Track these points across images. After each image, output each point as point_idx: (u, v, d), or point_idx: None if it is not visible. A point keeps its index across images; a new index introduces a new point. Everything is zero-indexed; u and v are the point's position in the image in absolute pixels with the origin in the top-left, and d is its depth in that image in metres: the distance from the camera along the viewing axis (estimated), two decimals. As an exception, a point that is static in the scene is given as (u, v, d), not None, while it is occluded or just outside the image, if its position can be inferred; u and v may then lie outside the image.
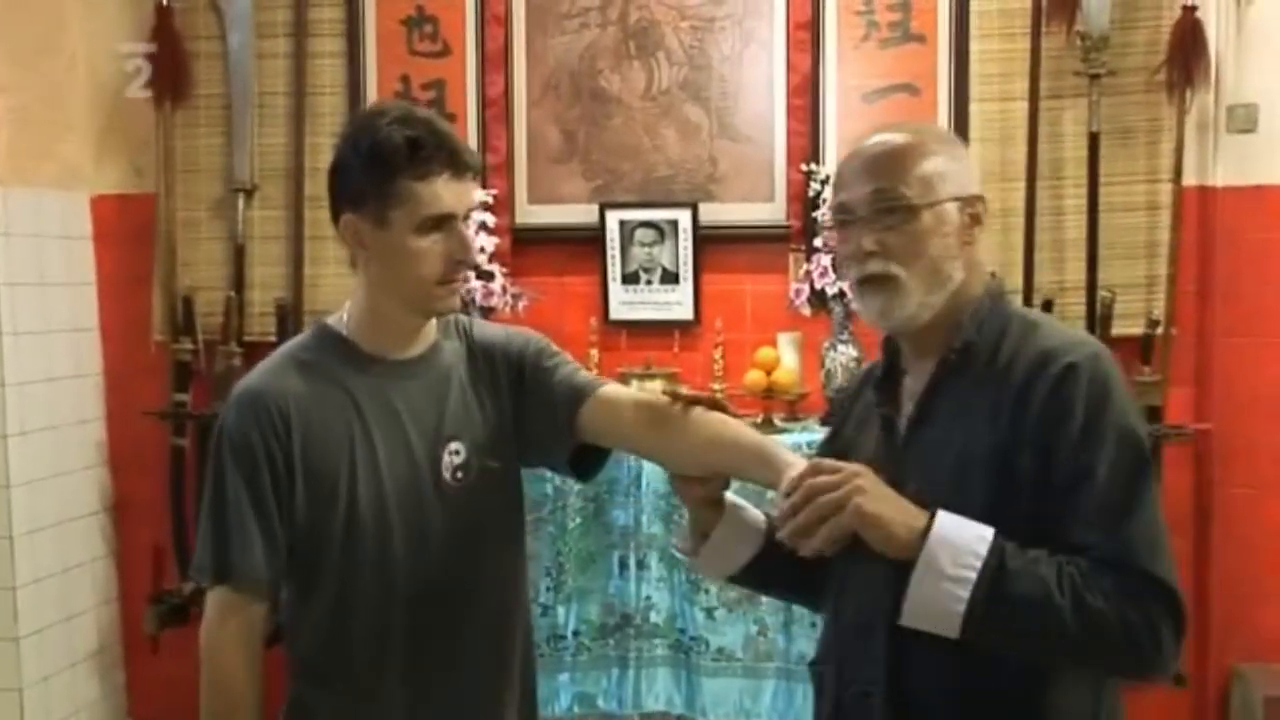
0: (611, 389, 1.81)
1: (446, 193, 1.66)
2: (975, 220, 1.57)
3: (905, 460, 1.55)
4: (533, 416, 1.82)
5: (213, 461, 1.72)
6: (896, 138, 1.59)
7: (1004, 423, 1.46)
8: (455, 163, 1.67)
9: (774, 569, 1.74)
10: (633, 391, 1.85)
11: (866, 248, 1.54)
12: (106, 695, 3.96)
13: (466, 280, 1.78)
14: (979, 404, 1.49)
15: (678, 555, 1.82)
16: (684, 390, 1.83)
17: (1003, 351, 1.51)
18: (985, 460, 1.46)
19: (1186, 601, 1.43)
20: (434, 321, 1.80)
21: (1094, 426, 1.43)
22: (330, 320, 1.81)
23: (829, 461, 1.50)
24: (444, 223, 1.68)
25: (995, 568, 1.39)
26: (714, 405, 1.73)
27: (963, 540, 1.41)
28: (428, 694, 1.75)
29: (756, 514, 1.79)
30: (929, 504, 1.46)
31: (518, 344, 1.85)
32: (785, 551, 1.63)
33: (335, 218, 1.73)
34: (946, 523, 1.42)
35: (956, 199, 1.55)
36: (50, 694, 3.70)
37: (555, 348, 1.88)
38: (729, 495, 1.79)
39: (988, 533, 1.41)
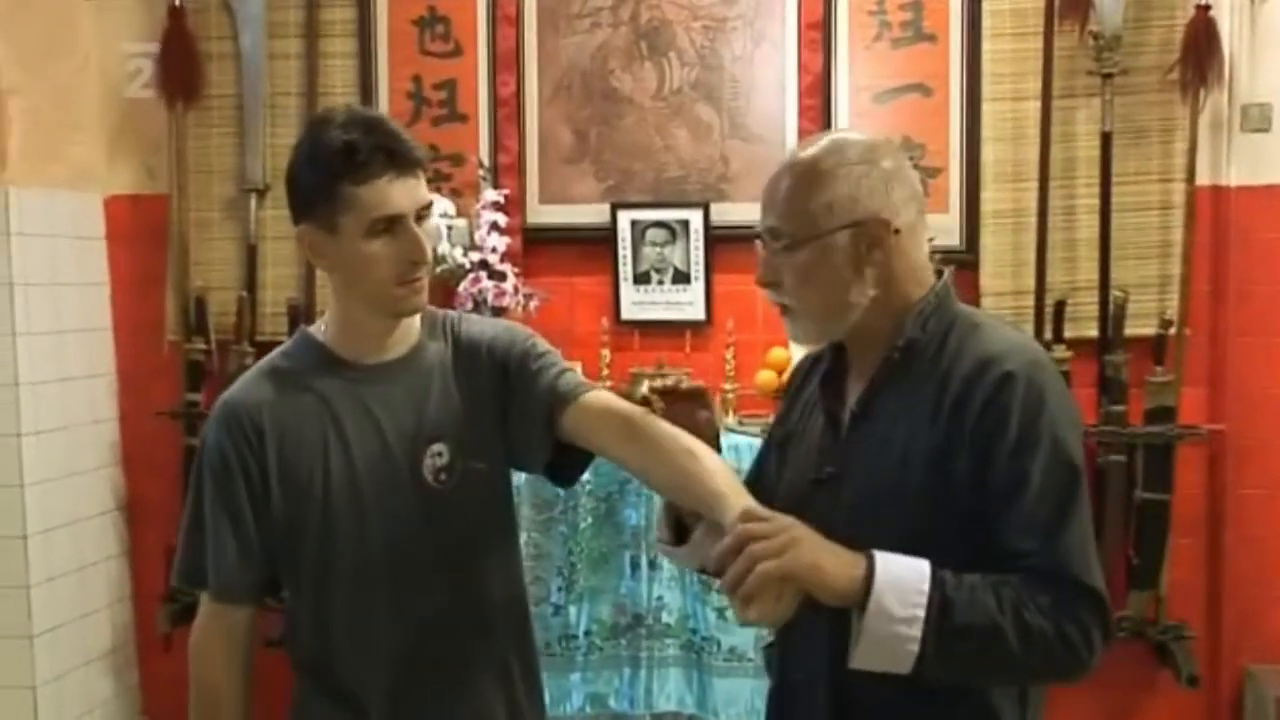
0: (594, 397, 1.75)
1: (392, 192, 1.63)
2: (875, 244, 1.54)
3: (846, 455, 1.57)
4: (515, 421, 1.79)
5: (193, 473, 1.78)
6: (791, 170, 1.58)
7: (942, 425, 1.48)
8: (396, 162, 1.63)
9: None
10: (617, 402, 1.75)
11: (764, 278, 1.60)
12: (120, 694, 3.97)
13: (424, 279, 1.70)
14: (919, 402, 1.51)
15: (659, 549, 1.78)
16: (662, 383, 1.75)
17: (945, 352, 1.53)
18: (924, 459, 1.48)
19: (1110, 607, 1.46)
20: (417, 322, 1.78)
21: (1028, 435, 1.45)
22: (312, 328, 1.81)
23: (761, 510, 1.48)
24: (393, 224, 1.64)
25: (940, 601, 1.39)
26: (692, 395, 1.72)
27: (906, 579, 1.40)
28: (418, 698, 1.76)
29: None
30: (868, 504, 1.51)
31: (504, 342, 1.81)
32: None
33: (295, 227, 1.72)
34: (886, 564, 1.41)
35: (848, 226, 1.53)
36: (64, 692, 3.71)
37: (544, 346, 1.83)
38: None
39: (925, 566, 1.41)
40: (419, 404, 1.76)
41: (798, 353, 3.57)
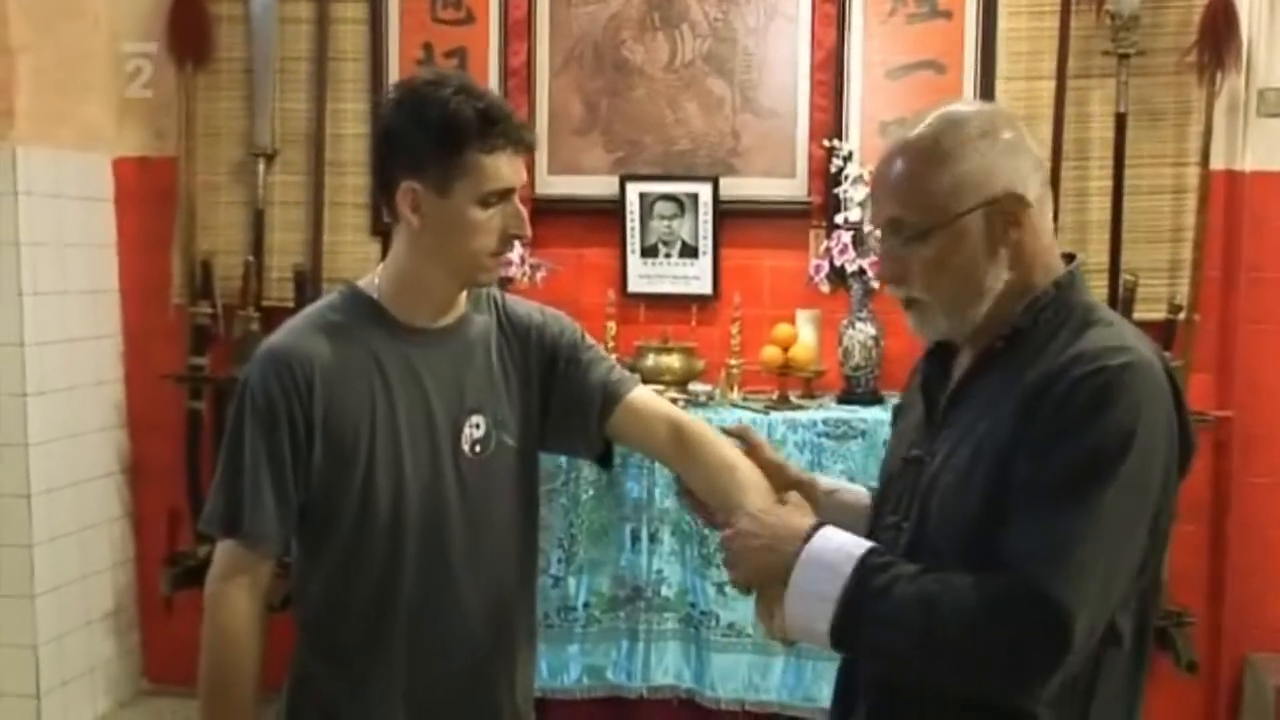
0: (641, 395, 1.83)
1: (508, 168, 1.69)
2: (1011, 221, 1.44)
3: (935, 440, 1.51)
4: (562, 409, 1.84)
5: (233, 416, 1.73)
6: (905, 153, 1.47)
7: (1016, 423, 1.37)
8: (519, 139, 1.70)
9: None
10: (663, 405, 1.85)
11: (887, 276, 1.52)
12: (121, 655, 3.99)
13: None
14: (1011, 394, 1.39)
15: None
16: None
17: (1051, 347, 1.41)
18: (993, 457, 1.39)
19: (1082, 631, 1.29)
20: (465, 294, 1.80)
21: (1076, 428, 1.32)
22: (361, 283, 1.80)
23: (742, 517, 1.55)
24: (504, 196, 1.70)
25: (854, 587, 1.37)
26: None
27: (826, 560, 1.40)
28: (425, 666, 1.76)
29: (858, 491, 1.78)
30: (941, 492, 1.44)
31: (553, 330, 1.86)
32: None
33: (386, 183, 1.72)
34: (820, 543, 1.42)
35: (980, 206, 1.43)
36: (65, 652, 3.73)
37: (589, 338, 1.90)
38: (820, 480, 1.78)
39: (859, 550, 1.40)
40: (462, 373, 1.77)
41: (806, 329, 3.57)
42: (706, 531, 3.14)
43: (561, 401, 1.83)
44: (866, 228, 3.44)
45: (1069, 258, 1.52)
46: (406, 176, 1.69)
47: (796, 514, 1.54)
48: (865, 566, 1.38)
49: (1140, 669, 1.46)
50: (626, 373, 1.87)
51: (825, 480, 1.79)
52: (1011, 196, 1.44)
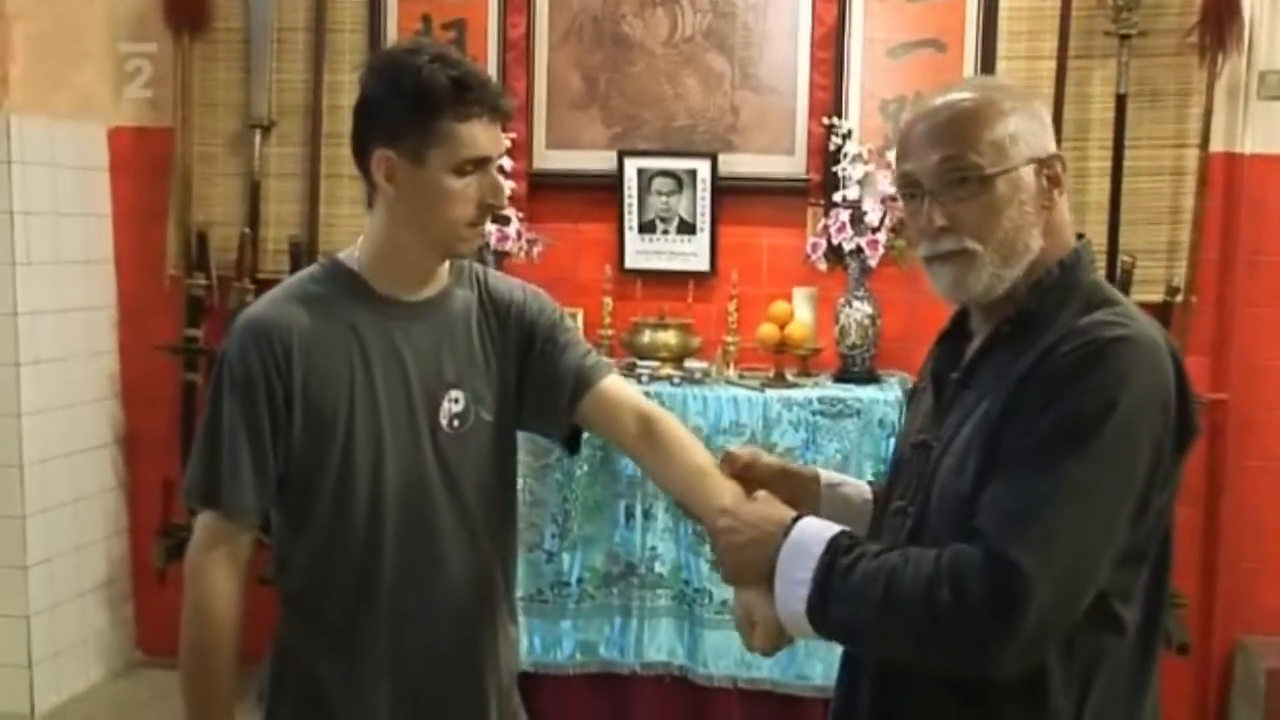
0: (613, 384, 1.82)
1: (484, 136, 1.66)
2: (1054, 182, 1.44)
3: (942, 423, 1.50)
4: (535, 389, 1.83)
5: (211, 388, 1.72)
6: (964, 98, 1.45)
7: (1011, 398, 1.36)
8: (495, 107, 1.67)
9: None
10: (634, 396, 1.84)
11: (938, 223, 1.44)
12: (114, 625, 4.00)
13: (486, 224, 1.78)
14: (1013, 375, 1.38)
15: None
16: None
17: (1054, 328, 1.39)
18: (985, 433, 1.38)
19: (1046, 603, 1.25)
20: (446, 266, 1.79)
21: (1058, 394, 1.31)
22: (342, 255, 1.79)
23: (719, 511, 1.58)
24: (480, 165, 1.68)
25: (825, 567, 1.37)
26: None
27: (805, 545, 1.41)
28: (408, 640, 1.75)
29: (860, 486, 1.76)
30: (946, 474, 1.43)
31: (533, 309, 1.85)
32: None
33: (361, 151, 1.71)
34: (799, 531, 1.43)
35: (1033, 161, 1.42)
36: (57, 622, 3.73)
37: (568, 320, 1.89)
38: (822, 474, 1.76)
39: (830, 533, 1.40)
40: (442, 347, 1.76)
41: (803, 307, 3.56)
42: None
43: (535, 382, 1.83)
44: (867, 204, 3.43)
45: (1077, 238, 1.51)
46: (381, 145, 1.67)
47: (773, 507, 1.53)
48: (835, 547, 1.38)
49: (1147, 663, 1.43)
50: (602, 359, 1.86)
51: (829, 475, 1.78)
52: (1055, 157, 1.45)
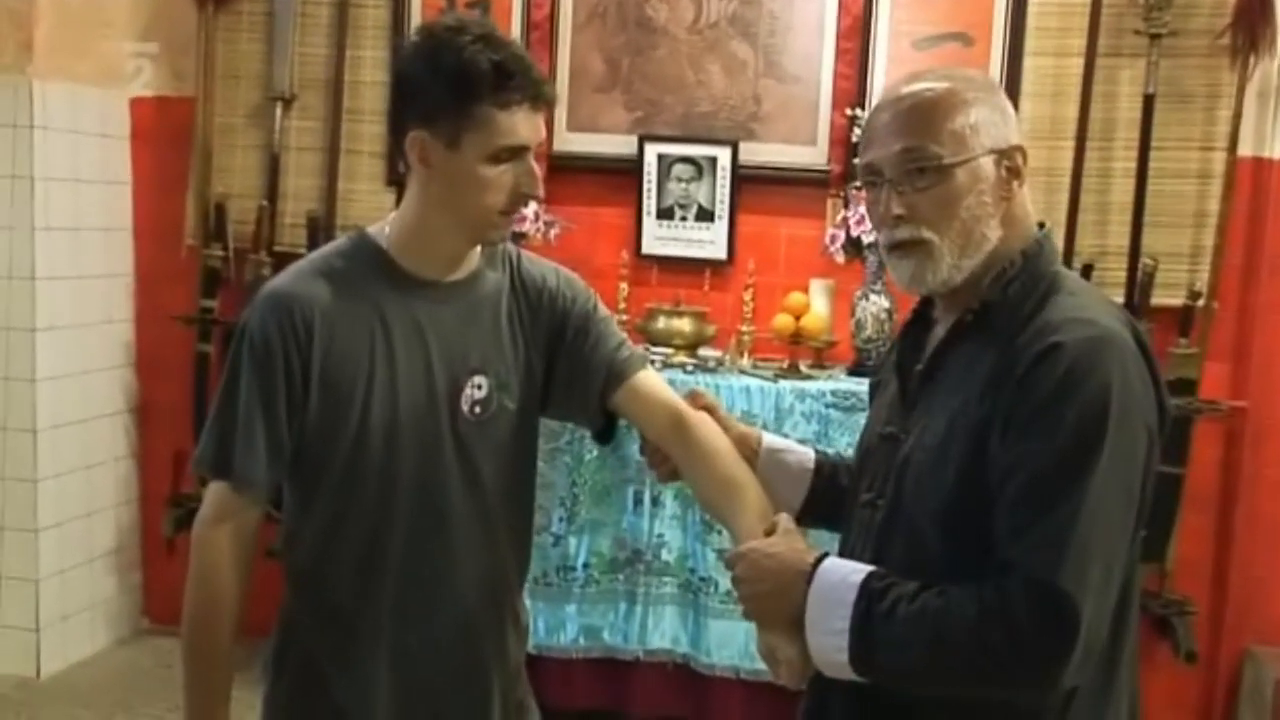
0: (646, 380, 1.78)
1: (524, 124, 1.61)
2: (1014, 173, 1.45)
3: (907, 416, 1.50)
4: (565, 379, 1.79)
5: (230, 358, 1.70)
6: (926, 88, 1.46)
7: (989, 399, 1.37)
8: (537, 95, 1.62)
9: (832, 505, 1.70)
10: (667, 392, 1.80)
11: (895, 212, 1.45)
12: (122, 593, 4.01)
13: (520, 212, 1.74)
14: (981, 370, 1.40)
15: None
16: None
17: (1017, 319, 1.41)
18: (967, 434, 1.38)
19: (1090, 614, 1.27)
20: (478, 248, 1.75)
21: (1048, 414, 1.31)
22: (371, 230, 1.76)
23: (731, 555, 1.54)
24: (517, 153, 1.63)
25: (862, 615, 1.36)
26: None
27: (835, 592, 1.38)
28: (412, 625, 1.74)
29: (802, 454, 1.77)
30: (916, 470, 1.43)
31: (566, 296, 1.79)
32: (840, 486, 1.67)
33: (397, 129, 1.67)
34: (824, 579, 1.40)
35: (993, 152, 1.43)
36: (66, 587, 3.75)
37: (603, 308, 1.84)
38: (766, 438, 1.77)
39: (858, 578, 1.38)
40: (468, 331, 1.73)
41: (819, 299, 3.54)
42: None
43: (565, 372, 1.79)
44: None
45: (1039, 228, 1.51)
46: (416, 125, 1.63)
47: (792, 548, 1.49)
48: (867, 592, 1.36)
49: (1115, 660, 1.41)
50: (636, 352, 1.81)
51: (771, 439, 1.78)
52: (1015, 149, 1.46)
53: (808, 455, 1.77)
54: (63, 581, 3.74)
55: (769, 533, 1.55)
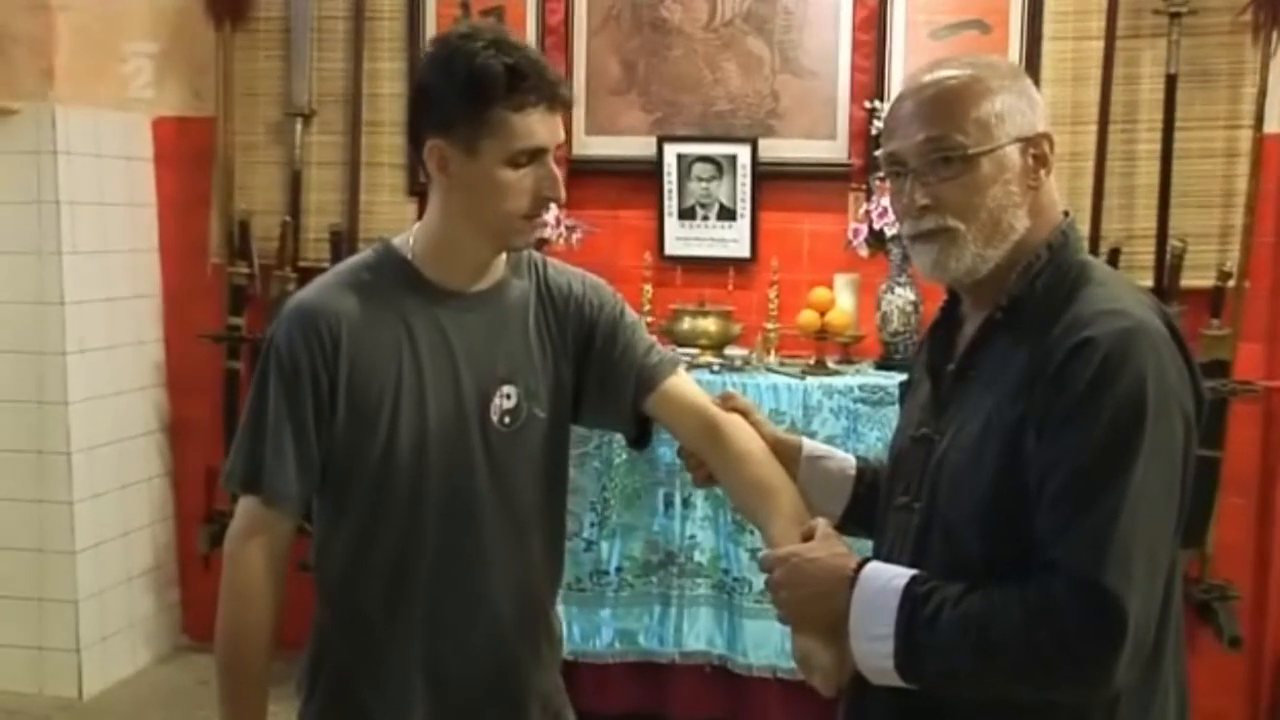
0: (677, 385, 1.77)
1: (541, 126, 1.60)
2: (1041, 161, 1.43)
3: (941, 416, 1.48)
4: (595, 387, 1.78)
5: (258, 373, 1.70)
6: (949, 75, 1.43)
7: (1023, 397, 1.34)
8: (553, 96, 1.61)
9: (874, 512, 1.67)
10: (700, 396, 1.78)
11: (920, 202, 1.43)
12: (160, 611, 4.04)
13: (544, 217, 1.71)
14: (1015, 367, 1.37)
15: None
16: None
17: (1048, 313, 1.38)
18: (1002, 434, 1.35)
19: (1138, 611, 1.26)
20: (503, 256, 1.74)
21: (1085, 409, 1.29)
22: (396, 241, 1.75)
23: (769, 558, 1.52)
24: (535, 156, 1.61)
25: (905, 623, 1.34)
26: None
27: (878, 598, 1.37)
28: (445, 638, 1.73)
29: (844, 460, 1.75)
30: (952, 470, 1.41)
31: (593, 303, 1.78)
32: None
33: (415, 140, 1.67)
34: (866, 585, 1.39)
35: (1019, 140, 1.41)
36: (105, 607, 3.78)
37: (631, 314, 1.82)
38: (806, 444, 1.75)
39: (900, 583, 1.36)
40: (495, 341, 1.72)
41: (844, 294, 3.52)
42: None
43: (595, 380, 1.77)
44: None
45: (1063, 216, 1.48)
46: (434, 134, 1.63)
47: (833, 554, 1.47)
48: (911, 597, 1.35)
49: (1159, 652, 1.38)
50: (667, 356, 1.80)
51: (811, 445, 1.76)
52: (1042, 136, 1.43)
53: (849, 462, 1.75)
54: (101, 602, 3.76)
55: (807, 537, 1.53)
